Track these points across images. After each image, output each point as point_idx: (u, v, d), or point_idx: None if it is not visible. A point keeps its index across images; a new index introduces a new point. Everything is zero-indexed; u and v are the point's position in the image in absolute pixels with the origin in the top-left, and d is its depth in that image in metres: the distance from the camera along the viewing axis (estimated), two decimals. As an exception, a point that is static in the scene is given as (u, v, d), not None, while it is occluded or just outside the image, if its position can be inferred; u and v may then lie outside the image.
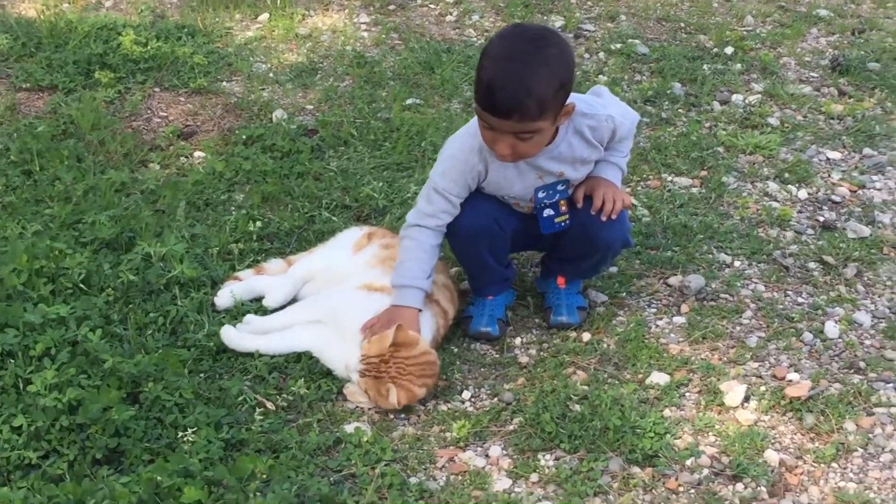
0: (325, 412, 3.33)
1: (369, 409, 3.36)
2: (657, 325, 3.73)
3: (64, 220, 3.98)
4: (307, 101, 5.01)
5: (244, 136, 4.66)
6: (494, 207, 3.53)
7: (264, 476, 3.01)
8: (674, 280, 3.93)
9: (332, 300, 3.56)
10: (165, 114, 4.91)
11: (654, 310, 3.81)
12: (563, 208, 3.55)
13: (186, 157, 4.60)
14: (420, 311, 3.47)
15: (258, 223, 4.05)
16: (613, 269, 3.98)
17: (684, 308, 3.81)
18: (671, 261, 4.00)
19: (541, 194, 3.48)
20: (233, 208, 4.25)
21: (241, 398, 3.33)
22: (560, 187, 3.49)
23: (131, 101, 4.91)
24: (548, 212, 3.54)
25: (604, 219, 3.49)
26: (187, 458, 3.01)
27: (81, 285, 3.65)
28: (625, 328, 3.70)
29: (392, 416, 3.35)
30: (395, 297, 3.48)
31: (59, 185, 4.22)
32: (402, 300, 3.47)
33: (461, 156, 3.43)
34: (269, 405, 3.33)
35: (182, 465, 2.98)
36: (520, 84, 3.09)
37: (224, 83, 5.13)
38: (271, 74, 5.22)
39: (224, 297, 3.68)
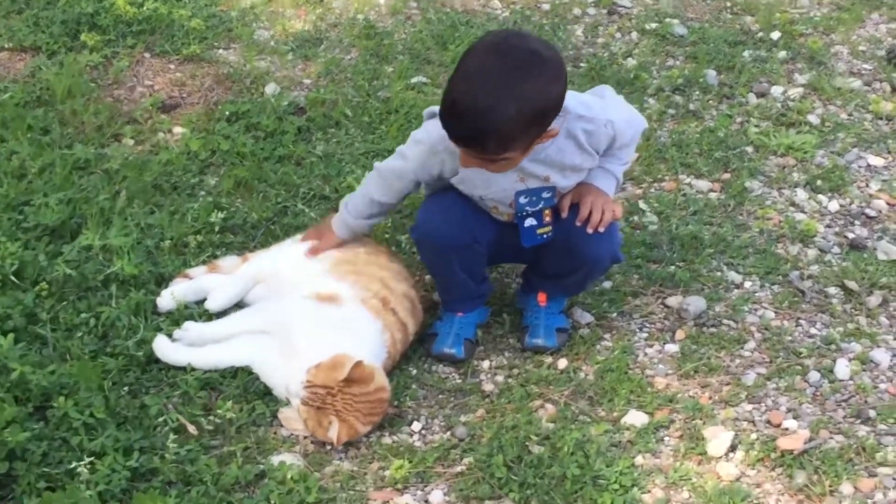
0: (254, 439, 2.99)
1: (305, 437, 3.00)
2: (645, 354, 3.33)
3: (10, 202, 3.65)
4: (305, 74, 4.63)
5: (227, 112, 4.28)
6: (471, 217, 3.17)
7: (163, 518, 2.65)
8: (673, 301, 3.52)
9: (278, 309, 3.21)
10: (151, 83, 4.56)
11: (646, 334, 3.41)
12: (548, 219, 3.16)
13: (165, 132, 4.24)
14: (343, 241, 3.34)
15: (221, 213, 3.68)
16: (607, 285, 3.58)
17: (679, 334, 3.41)
18: (673, 277, 3.59)
19: (522, 199, 3.10)
20: (202, 193, 3.89)
21: (161, 418, 2.98)
22: (545, 194, 3.10)
23: (117, 66, 4.56)
24: (529, 221, 3.15)
25: (590, 230, 3.11)
26: (82, 490, 2.67)
27: (13, 278, 3.31)
28: (608, 355, 3.30)
29: (329, 448, 3.01)
30: (335, 219, 3.36)
31: (16, 160, 3.88)
32: (338, 230, 3.35)
33: (432, 135, 3.04)
34: (192, 428, 2.99)
35: (73, 501, 2.64)
36: (482, 116, 2.72)
37: (220, 51, 4.77)
38: (273, 43, 4.84)
39: (166, 298, 3.33)
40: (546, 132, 2.85)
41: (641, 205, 3.92)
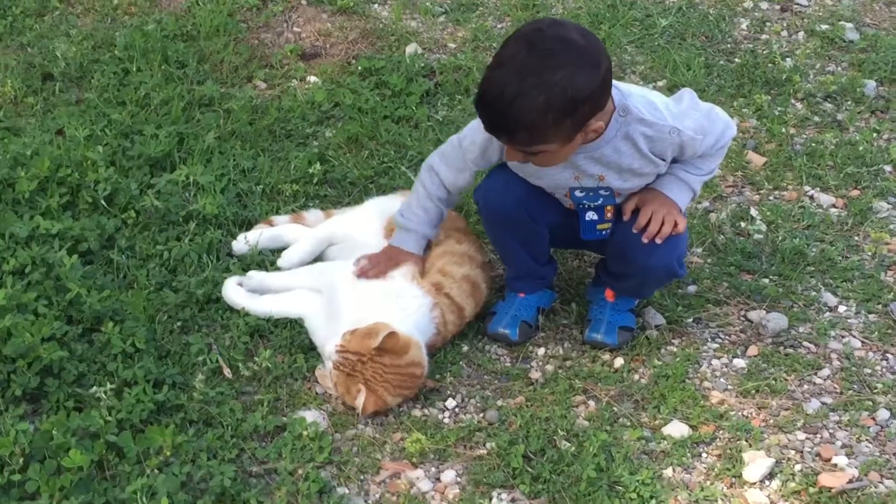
0: (286, 391, 3.02)
1: (336, 398, 3.00)
2: (710, 365, 3.20)
3: (124, 129, 3.78)
4: (451, 38, 4.62)
5: (361, 67, 4.31)
6: (530, 193, 3.08)
7: (169, 454, 2.71)
8: (755, 314, 3.36)
9: (332, 270, 3.22)
10: (300, 30, 4.63)
11: (717, 345, 3.28)
12: (609, 215, 3.07)
13: (298, 80, 4.30)
14: (420, 256, 3.21)
15: (320, 165, 3.71)
16: (691, 289, 3.45)
17: (752, 350, 3.26)
18: (762, 291, 3.42)
19: (578, 193, 3.01)
20: (315, 144, 3.92)
21: (200, 357, 3.03)
22: (603, 192, 3.00)
23: (270, 10, 4.63)
24: (590, 215, 3.06)
25: (644, 240, 3.00)
26: (95, 416, 2.74)
27: (104, 202, 3.43)
28: (669, 361, 3.17)
29: (356, 411, 2.98)
30: (395, 235, 3.21)
31: (143, 89, 4.00)
32: (402, 242, 3.19)
33: None
34: (227, 372, 3.04)
35: (87, 424, 2.72)
36: (509, 106, 2.64)
37: (375, 6, 4.81)
38: (429, 3, 4.82)
39: (240, 242, 3.39)
40: (587, 126, 2.73)
41: (752, 211, 3.76)
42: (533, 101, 2.59)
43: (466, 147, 3.04)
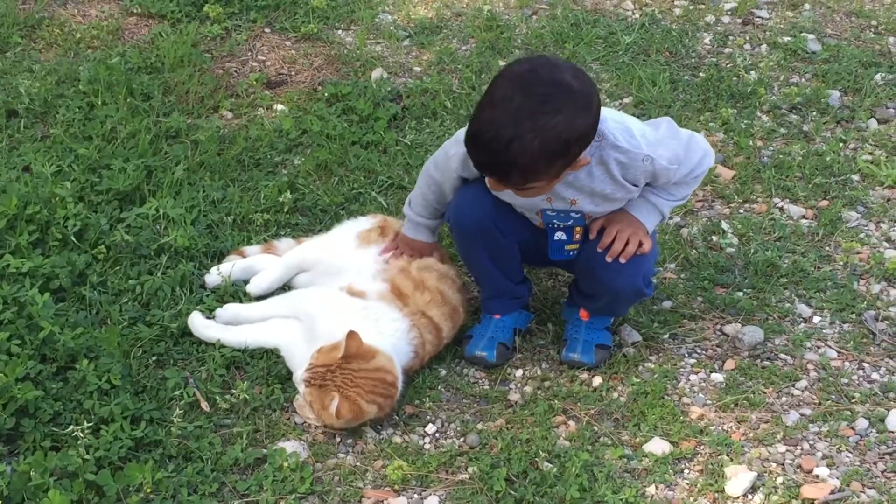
0: (265, 423, 3.00)
1: (316, 427, 2.98)
2: (688, 381, 3.21)
3: (91, 164, 3.75)
4: (416, 61, 4.62)
5: (328, 94, 4.30)
6: (498, 207, 3.09)
7: (149, 490, 2.68)
8: (730, 328, 3.37)
9: (308, 297, 3.22)
10: (264, 58, 4.62)
11: (694, 360, 3.28)
12: (577, 236, 3.08)
13: (265, 108, 4.29)
14: (434, 244, 3.29)
15: (290, 194, 3.69)
16: (666, 304, 3.46)
17: (729, 364, 3.27)
18: (736, 304, 3.43)
19: (549, 213, 3.02)
20: (284, 172, 3.91)
21: (177, 392, 3.01)
22: (574, 214, 3.00)
23: (234, 39, 4.63)
24: (559, 235, 3.08)
25: (608, 259, 3.01)
26: (72, 455, 2.71)
27: (74, 239, 3.40)
28: (647, 377, 3.17)
29: (338, 440, 2.98)
30: (406, 225, 3.28)
31: (109, 123, 3.98)
32: (413, 232, 3.28)
33: None
34: (205, 405, 3.02)
35: (65, 463, 2.69)
36: (504, 149, 2.66)
37: (339, 31, 4.80)
38: (392, 28, 4.82)
39: (213, 275, 3.37)
40: (576, 162, 2.76)
41: (724, 225, 3.77)
42: (529, 145, 2.61)
43: (451, 156, 3.05)
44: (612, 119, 2.84)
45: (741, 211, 3.88)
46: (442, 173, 3.10)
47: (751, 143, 4.18)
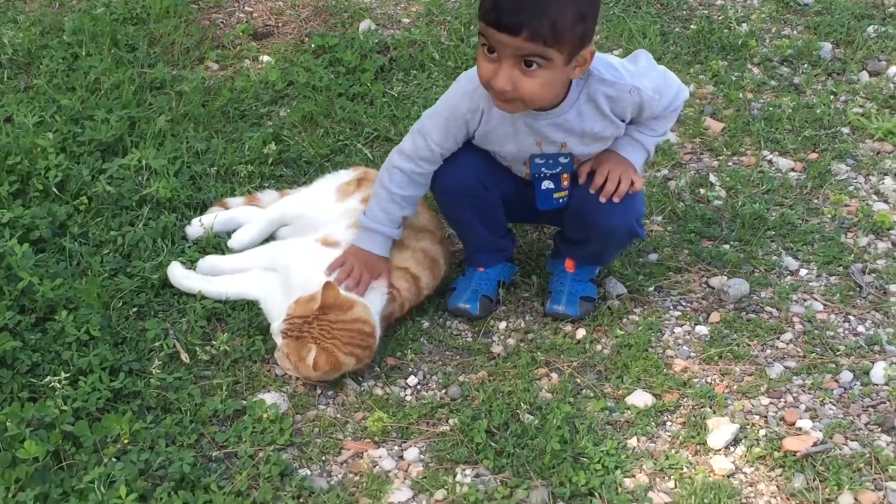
0: (246, 374, 2.98)
1: (297, 379, 2.96)
2: (673, 333, 3.18)
3: (74, 115, 3.72)
4: (405, 13, 4.58)
5: (315, 45, 4.26)
6: (482, 166, 3.06)
7: (126, 441, 2.67)
8: (716, 281, 3.34)
9: (284, 248, 3.21)
10: (252, 9, 4.59)
11: (679, 313, 3.26)
12: (565, 183, 3.04)
13: (251, 60, 4.25)
14: (388, 259, 3.12)
15: (275, 145, 3.66)
16: (652, 257, 3.43)
17: (714, 317, 3.25)
18: (723, 257, 3.40)
19: (538, 161, 3.00)
20: (269, 124, 3.88)
21: (157, 343, 2.99)
22: (563, 160, 2.98)
23: (221, -11, 4.57)
24: (546, 184, 3.04)
25: (602, 199, 2.98)
26: (50, 406, 2.69)
27: (55, 190, 3.37)
28: (631, 330, 3.15)
29: (319, 391, 2.96)
30: (360, 236, 3.11)
31: (93, 73, 3.94)
32: (368, 245, 3.10)
33: (452, 100, 2.98)
34: (185, 357, 3.00)
35: (42, 414, 2.67)
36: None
37: (327, -18, 4.72)
38: (383, -23, 4.77)
39: (195, 226, 3.34)
40: (584, 49, 2.71)
41: (712, 178, 3.74)
42: None
43: (428, 132, 2.99)
44: (595, 56, 2.81)
45: (729, 164, 3.85)
46: (415, 161, 3.03)
47: (741, 95, 4.15)
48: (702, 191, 3.70)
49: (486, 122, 2.94)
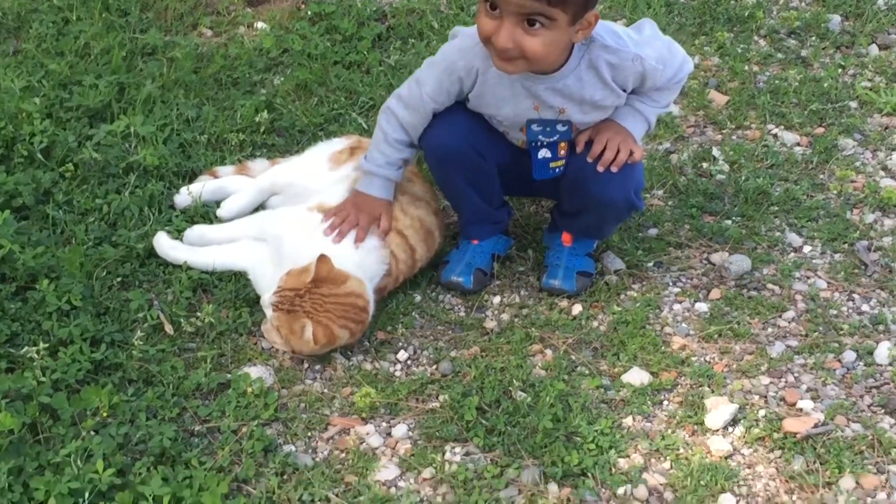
0: (232, 347, 2.90)
1: (283, 352, 2.88)
2: (672, 310, 3.10)
3: (62, 80, 3.63)
4: (405, -20, 4.45)
5: (311, 12, 4.17)
6: (476, 130, 2.98)
7: (105, 414, 2.58)
8: (717, 257, 3.25)
9: (275, 217, 3.12)
10: (248, -25, 4.45)
11: (678, 290, 3.17)
12: (563, 152, 2.96)
13: (246, 26, 4.15)
14: (390, 202, 3.04)
15: (267, 114, 3.57)
16: (652, 232, 3.34)
17: (714, 294, 3.16)
18: (724, 233, 3.31)
19: (535, 127, 2.91)
20: (263, 92, 3.79)
21: (141, 314, 2.90)
22: (561, 127, 2.89)
23: (217, -46, 4.47)
24: (543, 153, 2.95)
25: (599, 169, 2.89)
26: (28, 377, 2.61)
27: (40, 156, 3.29)
28: (629, 306, 3.06)
29: (306, 366, 2.88)
30: (361, 181, 3.05)
31: (82, 38, 3.85)
32: (368, 188, 3.04)
33: (449, 54, 2.89)
34: (169, 328, 2.92)
35: (19, 385, 2.59)
36: None
37: (326, -51, 4.61)
38: (384, -57, 4.66)
39: (183, 195, 3.25)
40: (588, 12, 2.62)
41: (715, 151, 3.65)
42: None
43: (423, 82, 2.91)
44: (599, 23, 2.72)
45: (733, 137, 3.76)
46: (410, 108, 2.96)
47: (746, 68, 4.06)
48: (704, 165, 3.61)
49: (483, 82, 2.85)
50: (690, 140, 3.72)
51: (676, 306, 3.11)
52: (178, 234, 3.16)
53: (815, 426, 2.74)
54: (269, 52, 3.98)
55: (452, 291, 3.14)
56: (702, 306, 3.10)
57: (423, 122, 2.97)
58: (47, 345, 2.70)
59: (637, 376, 2.87)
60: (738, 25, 4.27)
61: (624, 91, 2.86)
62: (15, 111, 3.37)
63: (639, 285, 3.17)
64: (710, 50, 4.12)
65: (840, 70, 4.07)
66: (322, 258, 2.80)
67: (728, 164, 3.61)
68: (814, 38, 4.24)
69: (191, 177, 3.39)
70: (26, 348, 2.69)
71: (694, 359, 2.93)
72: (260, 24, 4.16)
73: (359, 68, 3.95)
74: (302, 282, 2.81)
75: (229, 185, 3.31)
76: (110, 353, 2.78)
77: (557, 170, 2.97)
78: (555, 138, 2.92)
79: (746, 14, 4.31)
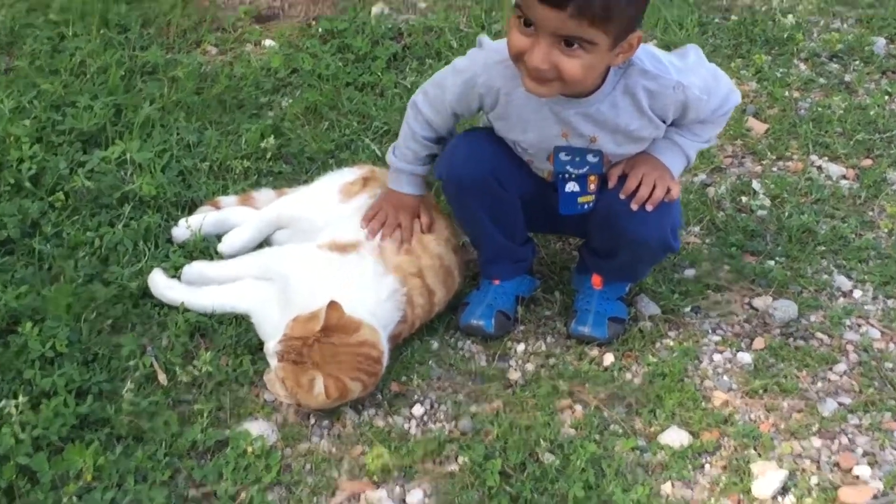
0: (231, 399, 2.64)
1: (288, 406, 2.62)
2: (711, 361, 2.84)
3: (55, 100, 3.40)
4: (423, -4, 4.22)
5: (322, 30, 3.93)
6: (498, 157, 2.73)
7: (90, 477, 2.33)
8: (760, 302, 3.01)
9: (282, 255, 2.87)
10: (258, -11, 4.22)
11: (718, 338, 2.92)
12: (592, 186, 2.72)
13: (253, 44, 3.91)
14: (422, 196, 2.87)
15: (274, 139, 3.34)
16: (689, 273, 3.09)
17: (758, 343, 2.91)
18: (767, 275, 3.06)
19: (563, 156, 2.66)
20: (269, 114, 3.54)
21: (132, 362, 2.65)
22: (591, 158, 2.65)
23: (225, -33, 4.24)
24: (571, 186, 2.71)
25: (633, 207, 2.64)
26: (5, 434, 2.38)
27: (28, 184, 3.04)
28: (665, 356, 2.80)
29: (312, 421, 2.62)
30: (390, 177, 2.89)
31: (78, 55, 3.61)
32: (398, 185, 2.88)
33: (472, 65, 2.65)
34: (162, 378, 2.67)
35: (-5, 446, 2.34)
36: None
37: (339, -38, 4.38)
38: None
39: (182, 228, 3.00)
40: (632, 34, 2.38)
41: (755, 184, 3.40)
42: None
43: (447, 87, 2.69)
44: (640, 47, 2.49)
45: (774, 169, 3.52)
46: (434, 109, 2.76)
47: (786, 93, 3.84)
48: (744, 199, 3.37)
49: (506, 104, 2.62)
50: (728, 171, 3.48)
51: (717, 356, 2.85)
52: (175, 271, 2.92)
53: (875, 497, 2.49)
54: (277, 71, 3.76)
55: (472, 337, 2.89)
56: (745, 357, 2.85)
57: (450, 123, 2.79)
58: (28, 397, 2.45)
59: (676, 436, 2.61)
60: (776, 48, 4.04)
61: (663, 122, 2.62)
62: (2, 134, 3.11)
63: (675, 332, 2.92)
64: (747, 74, 3.89)
65: (887, 97, 3.84)
66: (332, 304, 2.54)
67: (769, 198, 3.37)
68: (857, 62, 4.00)
69: (190, 207, 3.15)
70: (4, 402, 2.43)
71: (738, 417, 2.67)
72: (268, 42, 3.93)
73: (372, 90, 3.72)
74: (310, 330, 2.55)
75: (232, 217, 3.07)
76: (97, 407, 2.54)
77: (586, 206, 2.72)
78: (584, 170, 2.67)
79: (785, 36, 4.07)
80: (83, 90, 3.47)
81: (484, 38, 2.69)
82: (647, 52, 2.55)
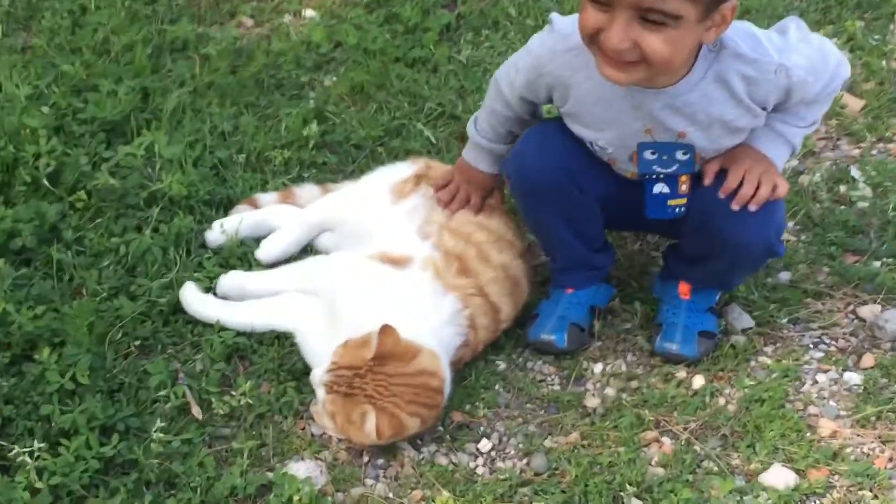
0: (274, 434, 2.36)
1: (338, 440, 2.32)
2: (815, 382, 2.54)
3: (75, 84, 3.11)
4: (477, -40, 3.89)
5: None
6: (574, 155, 2.45)
7: (113, 535, 2.05)
8: (867, 311, 2.68)
9: (329, 267, 2.58)
10: (297, -47, 3.91)
11: (821, 354, 2.61)
12: (684, 187, 2.43)
13: (292, 15, 3.60)
14: (497, 175, 2.64)
15: (318, 125, 3.04)
16: (783, 276, 2.78)
17: (867, 360, 2.58)
18: (874, 279, 2.74)
19: (648, 155, 2.37)
20: (311, 95, 3.23)
21: (163, 392, 2.35)
22: (681, 154, 2.36)
23: (261, -70, 3.92)
24: (660, 187, 2.44)
25: (735, 207, 2.33)
26: (20, 483, 2.12)
27: (46, 182, 2.75)
28: (763, 377, 2.48)
29: (366, 459, 2.33)
30: (467, 149, 2.67)
31: (101, 32, 3.32)
32: (477, 161, 2.66)
33: (541, 51, 2.38)
34: (196, 411, 2.39)
35: (9, 496, 2.11)
36: None
37: (385, -79, 4.05)
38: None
39: (216, 231, 2.72)
40: (720, 10, 2.08)
41: (853, 171, 3.09)
42: None
43: (520, 69, 2.44)
44: (731, 24, 2.18)
45: (874, 152, 3.21)
46: (511, 89, 2.49)
47: (884, 64, 3.50)
48: (842, 188, 3.06)
49: (578, 98, 2.35)
50: (822, 156, 3.17)
51: (821, 377, 2.54)
52: (209, 281, 2.66)
53: None
54: (319, 46, 3.48)
55: (543, 354, 2.61)
56: (852, 377, 2.54)
57: (529, 108, 2.55)
58: (45, 441, 2.19)
59: (780, 476, 2.32)
60: (870, 11, 3.73)
61: (763, 110, 2.31)
62: (17, 126, 2.81)
63: (772, 348, 2.61)
64: (838, 42, 3.56)
65: None
66: (386, 329, 2.24)
67: (870, 187, 3.06)
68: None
69: (226, 206, 2.88)
70: (16, 449, 2.14)
71: (848, 450, 2.36)
72: (309, 13, 3.65)
73: (424, 66, 3.45)
74: (361, 358, 2.26)
75: (272, 217, 2.80)
76: (123, 447, 2.27)
77: (678, 209, 2.42)
78: (673, 168, 2.36)
79: (881, -3, 3.71)
80: (107, 72, 3.19)
81: (556, 17, 2.36)
82: (742, 31, 2.25)
